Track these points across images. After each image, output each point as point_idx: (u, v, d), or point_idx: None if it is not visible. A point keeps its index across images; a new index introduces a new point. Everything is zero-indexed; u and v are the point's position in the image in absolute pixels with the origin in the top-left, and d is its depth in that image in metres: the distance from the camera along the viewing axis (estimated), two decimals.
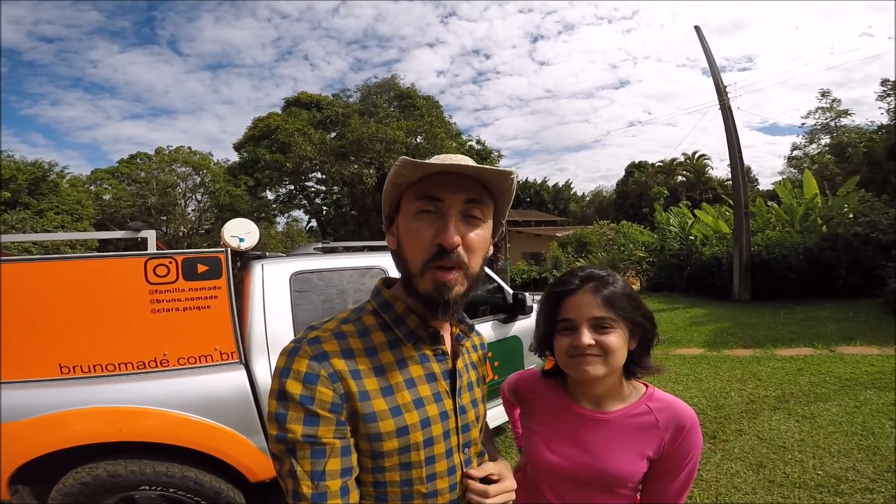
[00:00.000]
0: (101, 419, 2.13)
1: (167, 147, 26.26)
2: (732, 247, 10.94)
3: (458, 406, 0.85)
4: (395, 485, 0.76)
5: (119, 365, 2.27)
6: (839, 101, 26.61)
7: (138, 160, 26.24)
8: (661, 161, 37.00)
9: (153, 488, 2.21)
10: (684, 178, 34.87)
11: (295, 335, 0.86)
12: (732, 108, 11.38)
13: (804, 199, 11.88)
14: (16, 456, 2.04)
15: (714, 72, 11.59)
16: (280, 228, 31.62)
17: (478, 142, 24.62)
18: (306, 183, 22.44)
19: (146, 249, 2.56)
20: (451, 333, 0.90)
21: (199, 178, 25.89)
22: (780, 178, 24.46)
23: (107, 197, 25.18)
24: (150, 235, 2.63)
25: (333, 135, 20.33)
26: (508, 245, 19.66)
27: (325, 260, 2.97)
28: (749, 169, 34.92)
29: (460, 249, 0.76)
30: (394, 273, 0.86)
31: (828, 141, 26.29)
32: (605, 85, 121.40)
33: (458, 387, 0.86)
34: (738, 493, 2.90)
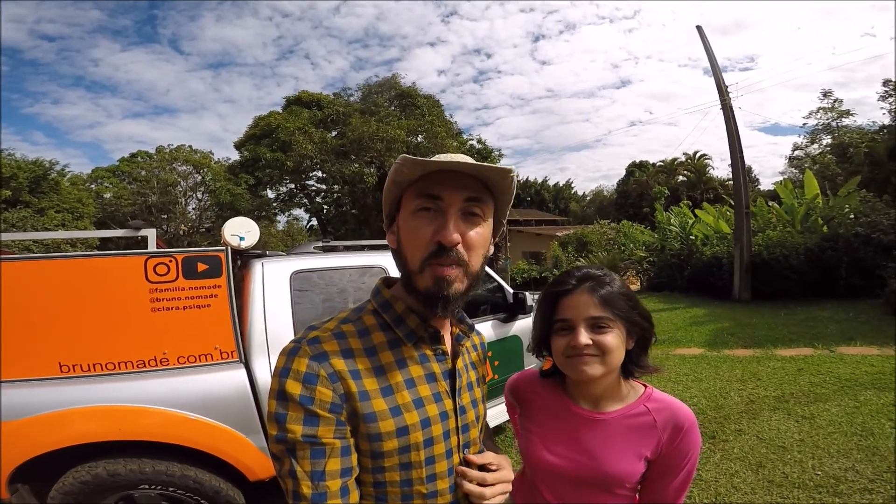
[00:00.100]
0: (100, 418, 2.13)
1: (168, 146, 26.31)
2: (733, 247, 10.93)
3: (458, 406, 0.84)
4: (395, 485, 0.76)
5: (119, 364, 2.27)
6: (841, 101, 26.58)
7: (139, 159, 26.26)
8: (662, 161, 37.03)
9: (153, 487, 2.21)
10: (685, 178, 34.86)
11: (295, 334, 0.86)
12: (734, 108, 11.38)
13: (805, 199, 11.87)
14: (16, 455, 2.04)
15: (716, 72, 11.58)
16: (280, 227, 31.64)
17: (479, 141, 24.66)
18: (307, 182, 22.44)
19: (146, 248, 2.56)
20: (452, 333, 0.90)
21: (199, 177, 25.92)
22: (781, 178, 24.47)
23: (107, 195, 25.20)
24: (151, 234, 2.63)
25: (334, 134, 20.32)
26: (509, 244, 19.67)
27: (325, 259, 2.97)
28: (750, 169, 34.87)
29: (460, 247, 0.76)
30: (394, 272, 0.86)
31: (829, 141, 26.25)
32: (607, 84, 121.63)
33: (458, 387, 0.85)
34: (737, 492, 2.90)
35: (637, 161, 40.95)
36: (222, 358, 2.42)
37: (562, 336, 1.00)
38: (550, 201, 47.91)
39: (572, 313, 0.98)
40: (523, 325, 3.66)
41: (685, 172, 35.03)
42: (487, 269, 3.74)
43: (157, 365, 2.33)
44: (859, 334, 6.54)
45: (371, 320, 0.82)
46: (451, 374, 0.85)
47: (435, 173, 0.75)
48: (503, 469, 0.87)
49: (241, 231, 2.81)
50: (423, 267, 0.76)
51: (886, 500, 2.69)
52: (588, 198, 52.34)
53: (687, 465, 0.98)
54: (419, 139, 19.63)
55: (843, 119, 25.98)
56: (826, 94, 26.61)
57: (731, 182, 12.57)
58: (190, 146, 26.69)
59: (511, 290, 3.74)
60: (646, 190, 32.33)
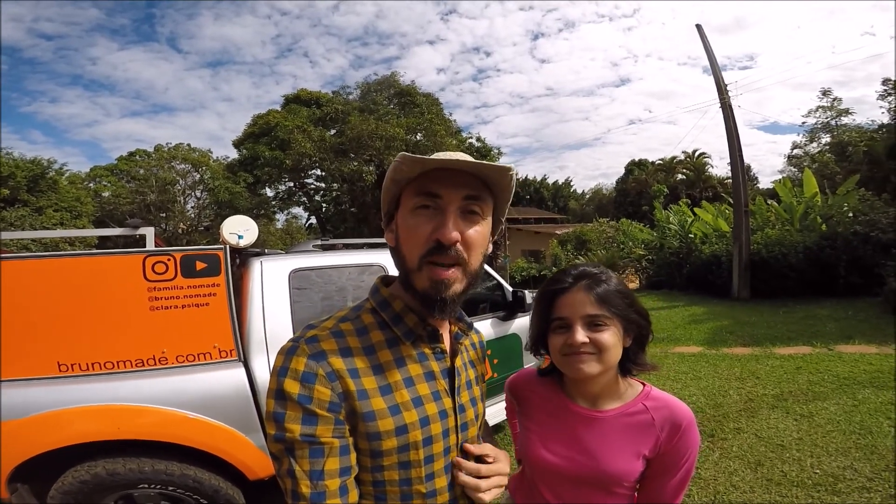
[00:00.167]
0: (99, 417, 2.13)
1: (166, 144, 26.21)
2: (732, 245, 10.94)
3: (457, 404, 0.84)
4: (394, 483, 0.76)
5: (118, 363, 2.27)
6: (840, 100, 26.60)
7: (137, 157, 26.19)
8: (662, 159, 37.05)
9: (152, 486, 2.21)
10: (684, 177, 34.87)
11: (294, 333, 0.86)
12: (733, 107, 11.37)
13: (804, 197, 11.87)
14: (15, 454, 2.04)
15: (715, 70, 11.57)
16: (279, 225, 31.60)
17: (478, 139, 24.64)
18: (306, 180, 22.40)
19: (144, 247, 2.55)
20: (450, 331, 0.90)
21: (198, 176, 25.84)
22: (780, 176, 24.46)
23: (106, 194, 25.14)
24: (149, 232, 2.63)
25: (333, 132, 20.28)
26: (508, 242, 19.64)
27: (324, 257, 2.96)
28: (749, 167, 34.91)
29: (459, 246, 0.75)
30: (393, 270, 0.85)
31: (828, 140, 26.26)
32: (606, 83, 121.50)
33: (456, 385, 0.85)
34: (736, 491, 2.91)
35: (636, 159, 40.99)
36: (221, 357, 2.42)
37: (559, 334, 1.00)
38: (549, 199, 47.94)
39: (569, 311, 0.98)
40: (522, 324, 3.66)
41: (684, 171, 35.04)
42: (487, 267, 3.74)
43: (155, 364, 2.32)
44: (858, 333, 6.55)
45: (369, 319, 0.81)
46: (450, 373, 0.85)
47: (434, 171, 0.74)
48: (500, 462, 0.87)
49: (239, 229, 2.80)
50: (422, 265, 0.76)
51: (885, 498, 2.70)
52: (587, 196, 52.40)
53: (686, 464, 0.98)
54: (418, 137, 19.60)
55: (843, 118, 26.01)
56: (825, 93, 26.64)
57: (731, 180, 12.59)
58: (188, 145, 26.62)
59: (510, 289, 3.74)
60: (645, 188, 32.33)
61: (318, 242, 3.49)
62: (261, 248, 3.19)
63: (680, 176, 34.88)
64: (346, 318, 0.81)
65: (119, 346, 2.29)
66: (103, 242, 18.78)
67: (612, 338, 0.96)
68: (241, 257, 2.97)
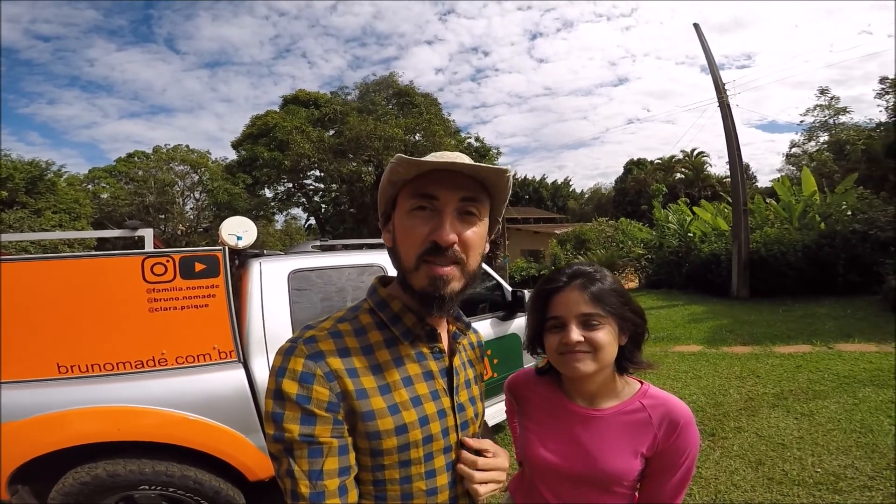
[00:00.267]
0: (99, 419, 2.13)
1: (165, 145, 26.18)
2: (731, 244, 10.95)
3: (455, 404, 0.84)
4: (394, 482, 0.76)
5: (117, 364, 2.27)
6: (838, 98, 26.67)
7: (136, 159, 26.16)
8: (660, 158, 37.07)
9: (152, 488, 2.20)
10: (683, 176, 34.90)
11: (293, 334, 0.86)
12: (731, 106, 11.39)
13: (803, 196, 11.89)
14: (15, 456, 2.04)
15: (713, 69, 11.58)
16: (278, 226, 31.60)
17: (476, 139, 24.64)
18: (305, 181, 22.40)
19: (143, 248, 2.55)
20: (448, 331, 0.90)
21: (197, 177, 25.81)
22: (778, 175, 24.51)
23: (104, 196, 25.10)
24: (147, 234, 2.62)
25: (332, 132, 20.28)
26: (507, 242, 19.66)
27: (323, 258, 2.96)
28: (748, 166, 34.89)
29: (456, 247, 0.75)
30: (392, 271, 0.85)
31: (826, 138, 26.31)
32: (604, 82, 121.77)
33: (455, 384, 0.85)
34: (737, 490, 2.91)
35: (635, 159, 40.98)
36: (221, 358, 2.41)
37: (554, 333, 1.00)
38: (549, 199, 47.95)
39: (563, 310, 0.98)
40: (522, 324, 3.66)
41: (683, 170, 35.07)
42: (486, 267, 3.74)
43: (155, 365, 2.32)
44: (857, 331, 6.56)
45: (367, 319, 0.81)
46: (449, 372, 0.85)
47: (431, 172, 0.75)
48: (498, 457, 0.87)
49: (238, 230, 2.80)
50: (419, 264, 0.76)
51: (886, 496, 2.70)
52: (586, 196, 52.45)
53: (685, 463, 0.98)
54: (417, 138, 19.60)
55: (841, 116, 26.09)
56: (823, 92, 26.70)
57: (729, 179, 12.59)
58: (187, 146, 26.59)
59: (509, 289, 3.74)
60: (644, 187, 32.36)
61: (318, 243, 3.49)
62: (260, 249, 3.18)
63: (679, 175, 34.91)
64: (344, 319, 0.81)
65: (119, 348, 2.28)
66: (102, 244, 18.77)
67: (607, 336, 0.96)
68: (241, 258, 2.97)
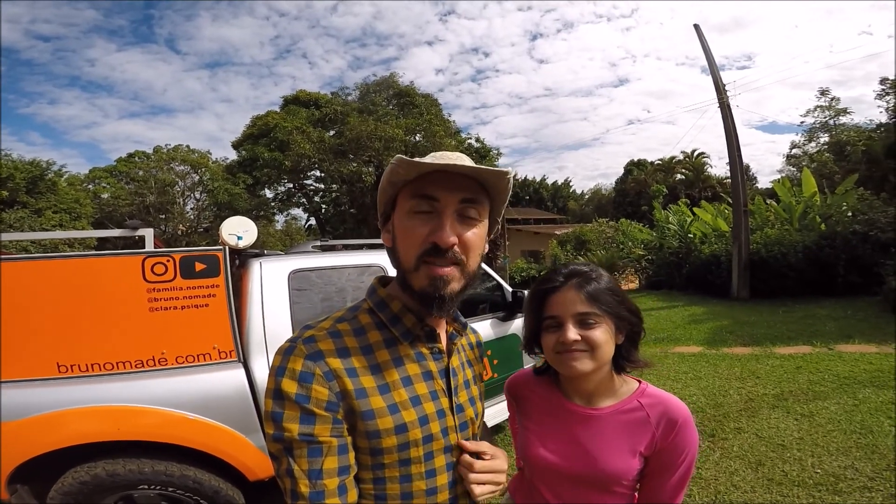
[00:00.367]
0: (99, 418, 2.13)
1: (165, 145, 26.26)
2: (731, 245, 10.95)
3: (454, 404, 0.85)
4: (394, 481, 0.76)
5: (117, 364, 2.27)
6: (838, 99, 26.70)
7: (136, 159, 26.21)
8: (661, 159, 37.08)
9: (152, 487, 2.20)
10: (683, 177, 34.91)
11: (293, 333, 0.86)
12: (731, 107, 11.39)
13: (803, 197, 11.89)
14: (15, 455, 2.04)
15: (713, 70, 11.59)
16: (279, 227, 31.61)
17: (477, 140, 24.66)
18: (305, 181, 22.41)
19: (144, 248, 2.55)
20: (446, 332, 0.90)
21: (197, 177, 25.87)
22: (778, 176, 24.53)
23: (105, 196, 25.15)
24: (148, 234, 2.62)
25: (332, 133, 20.30)
26: (507, 243, 19.66)
27: (323, 258, 2.96)
28: (748, 167, 34.92)
29: (456, 248, 0.76)
30: (392, 272, 0.85)
31: (827, 139, 26.33)
32: (605, 83, 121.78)
33: (453, 385, 0.85)
34: (737, 491, 2.91)
35: (635, 159, 41.01)
36: (221, 357, 2.41)
37: (551, 333, 1.00)
38: (549, 200, 47.94)
39: (560, 310, 0.99)
40: (522, 324, 3.66)
41: (683, 171, 35.08)
42: (486, 268, 3.74)
43: (155, 365, 2.32)
44: (858, 332, 6.56)
45: (366, 319, 0.82)
46: (447, 373, 0.85)
47: (431, 173, 0.75)
48: (496, 459, 0.87)
49: (238, 230, 2.80)
50: (419, 265, 0.76)
51: (886, 497, 2.69)
52: (586, 196, 52.45)
53: (684, 462, 0.98)
54: (417, 138, 19.61)
55: (841, 117, 26.11)
56: (823, 93, 26.72)
57: (730, 180, 12.59)
58: (187, 146, 26.66)
59: (510, 289, 3.74)
60: (644, 188, 32.36)
61: (318, 243, 3.49)
62: (260, 249, 3.18)
63: (679, 176, 34.91)
64: (344, 319, 0.81)
65: (119, 347, 2.28)
66: (102, 244, 18.78)
67: (603, 335, 0.97)
68: (241, 258, 2.97)
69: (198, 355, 2.39)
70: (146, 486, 2.19)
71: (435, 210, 0.76)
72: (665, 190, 25.70)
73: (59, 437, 2.08)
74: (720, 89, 11.36)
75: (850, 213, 10.61)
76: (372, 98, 21.36)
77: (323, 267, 2.86)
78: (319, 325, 0.79)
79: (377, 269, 2.96)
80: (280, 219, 28.62)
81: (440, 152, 0.79)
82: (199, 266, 2.44)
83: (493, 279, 3.77)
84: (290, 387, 0.70)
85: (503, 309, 3.66)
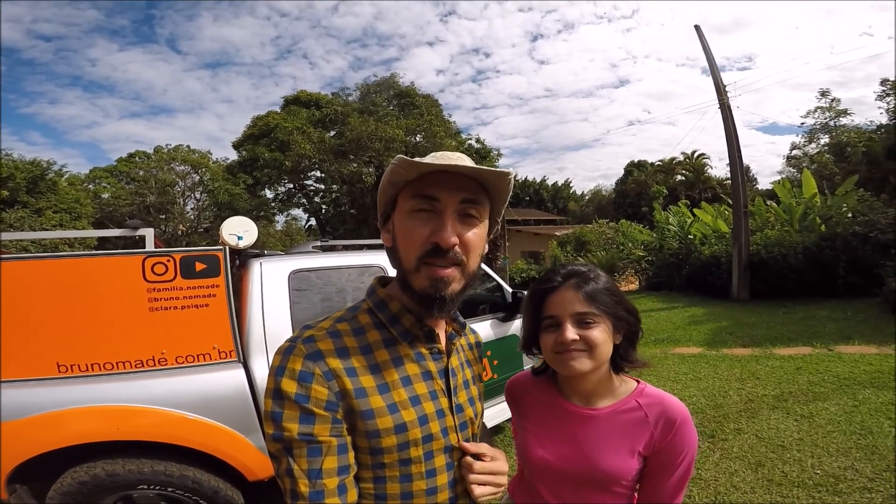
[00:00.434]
0: (99, 418, 2.13)
1: (166, 145, 26.28)
2: (731, 246, 10.94)
3: (454, 404, 0.85)
4: (394, 480, 0.76)
5: (117, 363, 2.27)
6: (838, 100, 26.76)
7: (137, 159, 26.23)
8: (661, 160, 37.10)
9: (151, 487, 2.20)
10: (683, 178, 34.92)
11: (293, 334, 0.86)
12: (732, 108, 11.40)
13: (803, 198, 11.89)
14: (14, 455, 2.04)
15: (714, 71, 11.59)
16: (279, 227, 31.60)
17: (477, 140, 24.62)
18: (305, 181, 22.40)
19: (144, 248, 2.55)
20: (446, 332, 0.90)
21: (197, 177, 25.88)
22: (779, 177, 24.57)
23: (105, 195, 25.16)
24: (148, 233, 2.63)
25: (333, 133, 20.29)
26: (507, 244, 19.67)
27: (323, 258, 2.96)
28: (748, 168, 34.98)
29: (457, 248, 0.76)
30: (393, 272, 0.85)
31: (827, 140, 26.37)
32: (605, 84, 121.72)
33: (453, 385, 0.86)
34: (736, 492, 2.91)
35: (635, 160, 41.05)
36: (221, 358, 2.41)
37: (550, 333, 1.01)
38: (549, 201, 47.93)
39: (558, 310, 0.99)
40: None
41: (683, 172, 35.09)
42: (487, 268, 3.74)
43: (155, 365, 2.32)
44: (857, 333, 6.55)
45: (366, 319, 0.82)
46: (446, 373, 0.86)
47: (431, 174, 0.75)
48: (496, 461, 0.87)
49: (239, 230, 2.80)
50: (420, 266, 0.76)
51: (886, 498, 2.69)
52: (587, 197, 52.40)
53: (683, 462, 0.98)
54: (418, 139, 19.61)
55: (841, 118, 26.15)
56: (824, 94, 26.77)
57: (730, 181, 12.59)
58: (188, 146, 26.68)
59: (510, 290, 3.74)
60: (644, 189, 32.39)
61: (318, 244, 3.49)
62: (260, 249, 3.19)
63: (679, 177, 34.93)
64: (343, 319, 0.81)
65: (118, 347, 2.28)
66: (103, 244, 18.79)
67: (601, 334, 0.97)
68: (241, 258, 2.97)
69: (198, 355, 2.39)
70: (145, 487, 2.19)
71: (436, 210, 0.76)
72: (665, 191, 25.75)
73: (58, 436, 2.08)
74: (720, 90, 11.37)
75: (850, 215, 10.61)
76: (372, 98, 21.36)
77: (323, 267, 2.86)
78: (319, 325, 0.79)
79: (377, 269, 2.96)
80: (280, 219, 28.65)
81: (440, 152, 0.79)
82: (199, 266, 2.44)
83: (494, 280, 3.77)
84: (289, 386, 0.70)
85: (503, 310, 3.66)
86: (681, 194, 29.63)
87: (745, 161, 13.49)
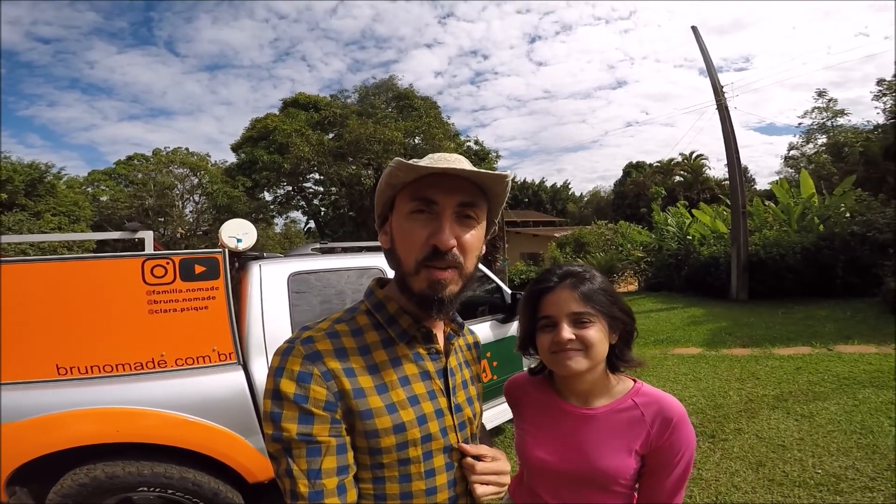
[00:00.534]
0: (98, 420, 2.12)
1: (165, 148, 26.30)
2: (730, 246, 10.96)
3: (452, 404, 0.85)
4: (393, 480, 0.76)
5: (117, 366, 2.26)
6: (836, 100, 26.84)
7: (136, 161, 26.24)
8: (659, 161, 37.12)
9: (151, 489, 2.20)
10: (682, 178, 34.96)
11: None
12: (729, 108, 11.43)
13: (801, 198, 11.92)
14: (13, 457, 2.03)
15: (711, 72, 11.62)
16: (278, 230, 31.60)
17: (476, 142, 24.64)
18: (304, 184, 22.41)
19: (143, 250, 2.55)
20: (444, 332, 0.90)
21: (196, 180, 25.88)
22: (777, 177, 24.60)
23: (104, 198, 25.15)
24: (148, 236, 2.63)
25: (331, 136, 20.32)
26: (507, 245, 19.65)
27: (322, 260, 2.97)
28: (746, 169, 35.07)
29: (455, 250, 0.76)
30: (392, 274, 0.86)
31: (824, 141, 26.44)
32: (603, 85, 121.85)
33: (451, 385, 0.86)
34: (737, 492, 2.91)
35: (634, 162, 41.07)
36: (220, 360, 2.41)
37: (546, 332, 1.01)
38: (548, 202, 47.96)
39: (555, 310, 1.00)
40: None
41: (682, 173, 35.13)
42: (486, 270, 3.75)
43: (154, 367, 2.32)
44: (857, 333, 6.56)
45: (364, 320, 0.82)
46: (445, 373, 0.86)
47: (429, 176, 0.75)
48: (498, 461, 0.87)
49: (238, 233, 2.81)
50: (419, 269, 0.76)
51: (887, 498, 2.69)
52: (585, 199, 52.42)
53: (681, 462, 0.98)
54: (416, 141, 19.63)
55: (838, 118, 26.22)
56: (821, 94, 26.83)
57: (728, 182, 12.61)
58: (186, 149, 26.69)
59: (509, 291, 3.74)
60: (643, 190, 32.42)
61: (317, 246, 3.49)
62: (259, 251, 3.19)
63: (677, 178, 34.96)
64: (341, 320, 0.82)
65: (118, 350, 2.28)
66: (101, 247, 18.77)
67: (597, 334, 0.98)
68: (240, 261, 2.97)
69: (197, 357, 2.38)
70: (145, 489, 2.19)
71: (434, 212, 0.76)
72: (664, 192, 25.80)
73: (58, 439, 2.07)
74: (718, 91, 11.40)
75: (848, 215, 10.63)
76: (371, 101, 21.40)
77: (322, 269, 2.86)
78: (317, 327, 0.79)
79: (376, 271, 2.96)
80: (279, 222, 28.71)
81: (438, 154, 0.79)
82: (198, 268, 2.44)
83: (493, 281, 3.78)
84: (288, 387, 0.70)
85: (503, 311, 3.66)
86: (679, 195, 29.66)
87: (744, 161, 13.53)
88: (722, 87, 11.45)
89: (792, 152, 29.26)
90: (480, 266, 0.84)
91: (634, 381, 1.08)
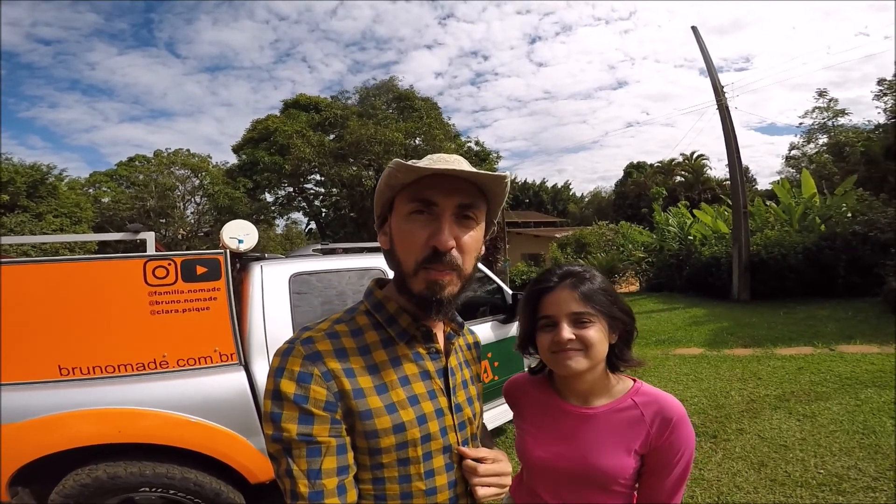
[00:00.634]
0: (100, 421, 2.13)
1: (166, 149, 26.27)
2: (731, 247, 10.95)
3: (453, 404, 0.85)
4: (393, 481, 0.76)
5: (118, 366, 2.27)
6: (836, 100, 26.78)
7: (137, 163, 26.25)
8: (660, 161, 37.15)
9: (153, 490, 2.20)
10: (683, 179, 34.96)
11: None
12: (730, 109, 11.42)
13: (802, 198, 11.90)
14: (15, 457, 2.04)
15: (711, 72, 11.62)
16: (279, 231, 31.62)
17: (476, 143, 24.67)
18: (305, 185, 22.46)
19: (145, 251, 2.56)
20: (444, 332, 0.90)
21: (197, 181, 25.88)
22: (778, 177, 24.63)
23: (105, 200, 25.15)
24: (149, 237, 2.63)
25: (332, 137, 20.36)
26: (508, 246, 19.66)
27: (324, 261, 2.97)
28: (747, 169, 35.07)
29: (454, 251, 0.76)
30: (392, 275, 0.86)
31: (825, 140, 26.38)
32: (603, 86, 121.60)
33: (451, 385, 0.86)
34: (739, 492, 2.90)
35: (634, 162, 41.13)
36: (222, 360, 2.42)
37: (546, 332, 1.02)
38: (549, 203, 47.97)
39: (555, 309, 1.00)
40: None
41: (683, 173, 35.13)
42: (487, 271, 3.75)
43: (156, 367, 2.32)
44: (859, 332, 6.55)
45: (364, 320, 0.82)
46: (445, 373, 0.86)
47: (428, 177, 0.75)
48: (499, 462, 0.87)
49: (239, 234, 2.81)
50: (418, 270, 0.77)
51: (889, 498, 2.69)
52: (586, 199, 52.41)
53: (680, 461, 0.98)
54: (417, 142, 19.65)
55: (839, 118, 26.18)
56: (822, 94, 26.79)
57: (729, 182, 12.61)
58: (188, 150, 26.68)
59: (510, 292, 3.75)
60: (644, 191, 32.42)
61: (318, 247, 3.49)
62: (261, 252, 3.19)
63: (678, 178, 34.96)
64: (341, 320, 0.82)
65: (120, 350, 2.29)
66: (103, 248, 18.81)
67: (597, 334, 0.98)
68: (242, 262, 2.98)
69: (199, 358, 2.39)
70: (147, 489, 2.19)
71: (433, 213, 0.76)
72: (665, 192, 25.76)
73: (60, 439, 2.08)
74: (718, 91, 11.39)
75: (849, 214, 10.62)
76: (372, 102, 21.43)
77: (323, 270, 2.86)
78: (317, 327, 0.80)
79: (377, 272, 2.96)
80: (280, 223, 28.71)
81: (437, 155, 0.79)
82: (200, 269, 2.45)
83: (494, 282, 3.78)
84: (288, 387, 0.70)
85: (504, 311, 3.67)
86: (680, 195, 29.67)
87: (744, 161, 13.54)
88: (722, 87, 11.45)
89: (793, 152, 29.23)
90: (481, 266, 0.84)
91: (634, 380, 1.08)
